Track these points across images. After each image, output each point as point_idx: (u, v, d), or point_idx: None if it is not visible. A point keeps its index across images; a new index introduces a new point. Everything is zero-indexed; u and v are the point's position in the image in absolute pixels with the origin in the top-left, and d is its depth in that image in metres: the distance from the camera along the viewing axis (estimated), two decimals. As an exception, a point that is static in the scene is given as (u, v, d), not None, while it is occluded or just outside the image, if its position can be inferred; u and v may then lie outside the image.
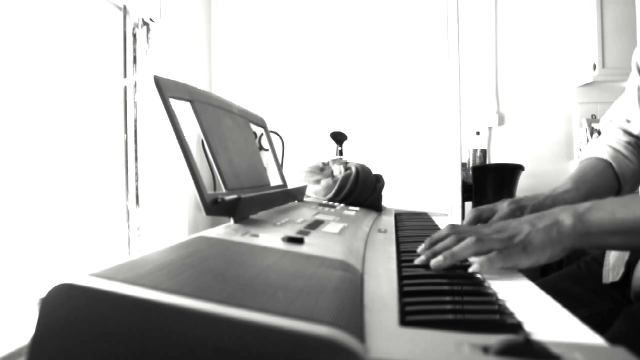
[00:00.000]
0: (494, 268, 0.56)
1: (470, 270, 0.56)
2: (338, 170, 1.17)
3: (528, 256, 0.57)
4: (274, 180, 1.08)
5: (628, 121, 0.95)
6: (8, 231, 0.92)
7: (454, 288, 0.50)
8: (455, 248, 0.58)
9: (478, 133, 3.04)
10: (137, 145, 1.42)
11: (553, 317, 0.43)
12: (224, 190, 0.72)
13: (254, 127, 1.06)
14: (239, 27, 1.91)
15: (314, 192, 1.15)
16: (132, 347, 0.29)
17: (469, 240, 0.58)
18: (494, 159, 3.10)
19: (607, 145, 0.96)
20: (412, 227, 0.91)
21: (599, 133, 1.04)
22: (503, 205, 0.84)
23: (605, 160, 0.93)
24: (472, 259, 0.58)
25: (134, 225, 1.39)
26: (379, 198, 1.16)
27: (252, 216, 0.71)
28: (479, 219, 0.83)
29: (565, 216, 0.59)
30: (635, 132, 0.93)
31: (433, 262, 0.57)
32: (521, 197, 0.87)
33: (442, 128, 1.86)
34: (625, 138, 0.95)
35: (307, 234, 0.61)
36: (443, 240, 0.61)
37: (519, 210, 0.83)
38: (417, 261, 0.60)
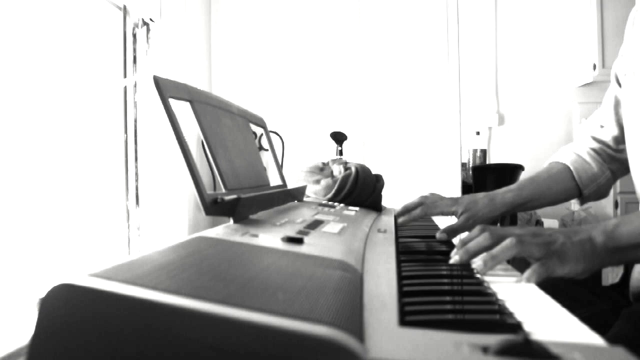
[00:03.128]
0: (540, 279, 0.56)
1: (524, 281, 0.55)
2: (338, 170, 1.17)
3: (562, 266, 0.57)
4: (274, 180, 1.08)
5: (602, 127, 0.97)
6: (8, 231, 0.92)
7: (454, 288, 0.50)
8: (496, 250, 0.57)
9: (478, 133, 3.04)
10: (137, 145, 1.42)
11: (552, 317, 0.43)
12: (223, 190, 0.72)
13: (254, 127, 1.06)
14: (239, 27, 1.91)
15: (313, 192, 1.15)
16: (131, 347, 0.29)
17: (509, 242, 0.57)
18: (494, 159, 3.10)
19: (571, 152, 1.00)
20: (412, 227, 0.92)
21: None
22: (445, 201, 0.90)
23: (564, 164, 0.98)
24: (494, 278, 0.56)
25: (134, 225, 1.39)
26: (378, 198, 1.16)
27: (252, 216, 0.71)
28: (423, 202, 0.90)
29: (596, 233, 0.60)
30: (607, 138, 0.96)
31: (473, 267, 0.57)
32: (460, 197, 0.92)
33: (442, 128, 1.86)
34: (592, 145, 0.98)
35: (306, 234, 0.61)
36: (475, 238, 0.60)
37: (455, 204, 0.88)
38: (452, 261, 0.60)
